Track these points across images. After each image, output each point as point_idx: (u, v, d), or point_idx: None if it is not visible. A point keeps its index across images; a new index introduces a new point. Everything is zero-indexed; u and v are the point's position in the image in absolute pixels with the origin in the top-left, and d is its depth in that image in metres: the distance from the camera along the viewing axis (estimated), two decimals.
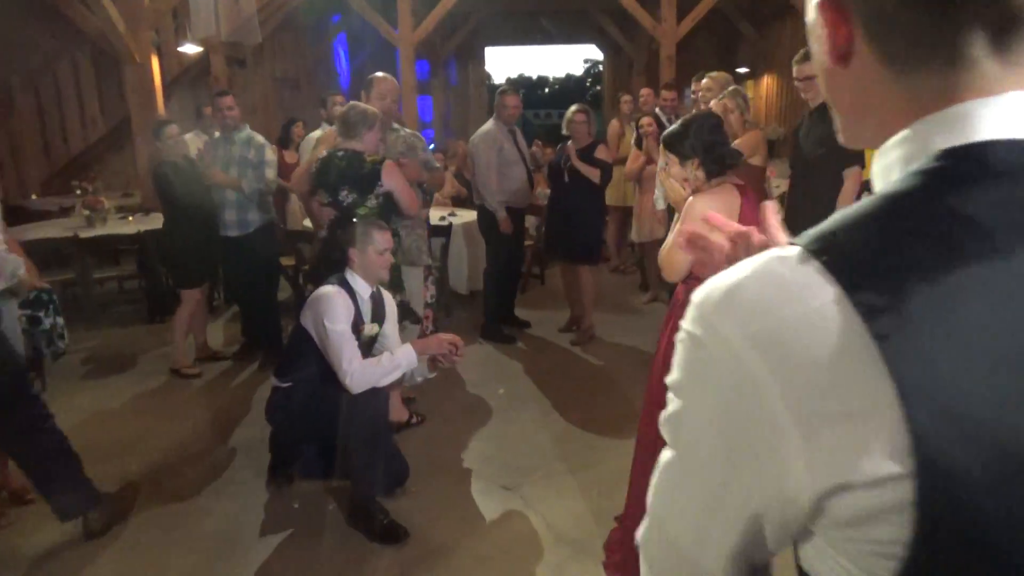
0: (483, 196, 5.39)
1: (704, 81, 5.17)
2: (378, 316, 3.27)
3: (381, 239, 3.18)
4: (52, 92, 8.66)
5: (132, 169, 8.16)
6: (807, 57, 3.97)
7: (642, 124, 5.79)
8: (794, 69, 3.98)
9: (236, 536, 3.07)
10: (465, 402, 4.43)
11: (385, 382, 3.05)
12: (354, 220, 3.34)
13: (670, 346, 2.12)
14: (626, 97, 7.62)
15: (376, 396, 3.02)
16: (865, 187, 6.77)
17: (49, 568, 2.88)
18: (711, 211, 2.50)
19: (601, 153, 5.34)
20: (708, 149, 2.48)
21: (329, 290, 3.10)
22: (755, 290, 0.56)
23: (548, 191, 5.85)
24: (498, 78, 29.28)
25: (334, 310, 3.01)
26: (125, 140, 8.39)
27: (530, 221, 6.91)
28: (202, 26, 7.52)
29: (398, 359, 3.06)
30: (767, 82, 12.54)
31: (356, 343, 3.03)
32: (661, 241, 5.73)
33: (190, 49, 7.84)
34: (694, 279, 2.54)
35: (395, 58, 8.94)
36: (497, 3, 12.31)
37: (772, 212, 0.91)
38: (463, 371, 4.90)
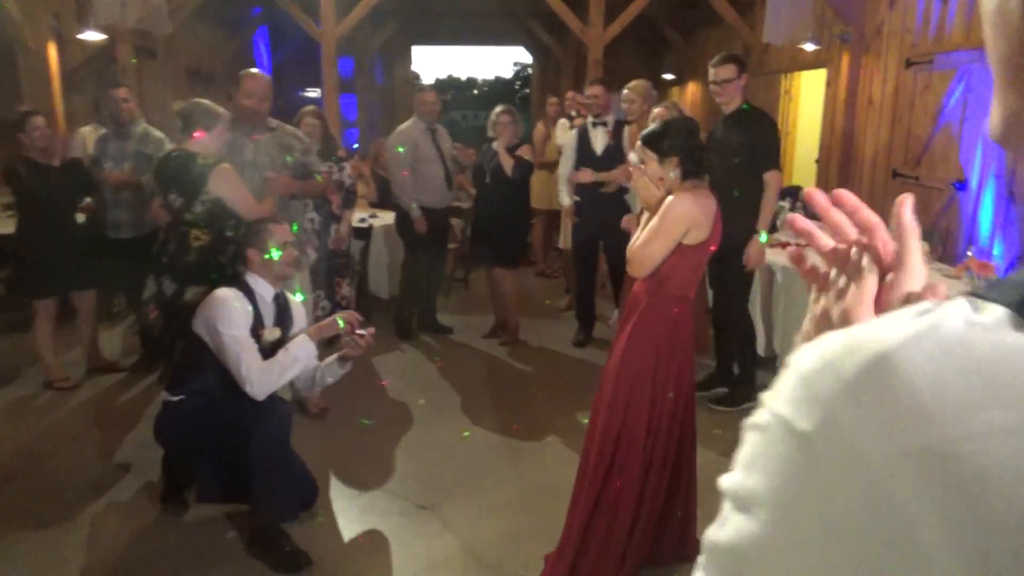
0: (397, 195, 5.25)
1: (625, 92, 5.14)
2: (283, 320, 3.01)
3: (279, 233, 2.96)
4: None
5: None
6: (725, 60, 3.93)
7: (574, 125, 5.68)
8: (710, 72, 3.93)
9: (124, 568, 2.77)
10: (383, 414, 4.19)
11: (287, 377, 2.81)
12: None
13: (628, 353, 1.97)
14: (552, 100, 7.52)
15: (276, 413, 2.77)
16: (787, 193, 6.86)
17: None
18: (694, 211, 2.39)
19: (525, 154, 5.19)
20: (687, 150, 2.51)
21: (223, 293, 2.84)
22: (925, 373, 0.34)
23: (471, 192, 5.68)
24: (427, 78, 28.94)
25: (228, 314, 2.75)
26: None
27: (455, 223, 6.73)
28: (106, 11, 7.05)
29: (294, 352, 2.81)
30: (692, 89, 12.68)
31: (256, 347, 2.77)
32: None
33: (93, 36, 7.31)
34: (658, 279, 2.48)
35: (319, 54, 8.61)
36: (425, 2, 12.07)
37: (909, 208, 0.61)
38: (382, 379, 4.67)
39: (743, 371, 4.19)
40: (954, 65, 5.98)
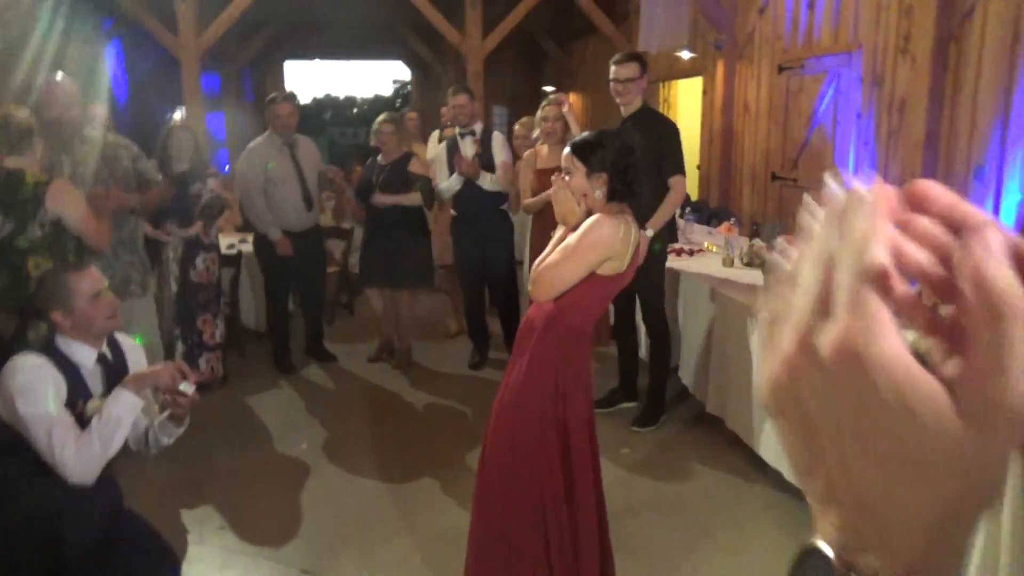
0: (248, 217, 4.85)
1: (516, 129, 5.05)
2: (116, 382, 2.43)
3: (85, 283, 2.40)
4: None
5: None
6: (629, 58, 3.77)
7: (445, 136, 5.41)
8: (612, 70, 3.75)
9: None
10: (258, 463, 3.73)
11: (115, 446, 2.29)
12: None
13: (524, 389, 1.62)
14: (411, 115, 7.21)
15: (103, 495, 2.29)
16: (689, 205, 6.83)
17: None
18: (616, 238, 1.97)
19: (415, 167, 4.86)
20: (620, 169, 2.24)
21: (21, 361, 2.28)
22: None
23: (359, 214, 5.27)
24: (304, 97, 28.07)
25: (28, 386, 2.22)
26: None
27: (335, 246, 6.29)
28: None
29: (113, 413, 2.28)
30: (572, 99, 12.73)
31: (68, 422, 2.25)
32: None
33: None
34: (560, 304, 2.18)
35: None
36: (295, 13, 11.53)
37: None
38: (257, 423, 4.20)
39: (657, 383, 3.99)
40: (824, 69, 6.13)
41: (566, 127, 4.38)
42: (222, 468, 3.64)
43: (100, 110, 4.61)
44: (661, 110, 9.50)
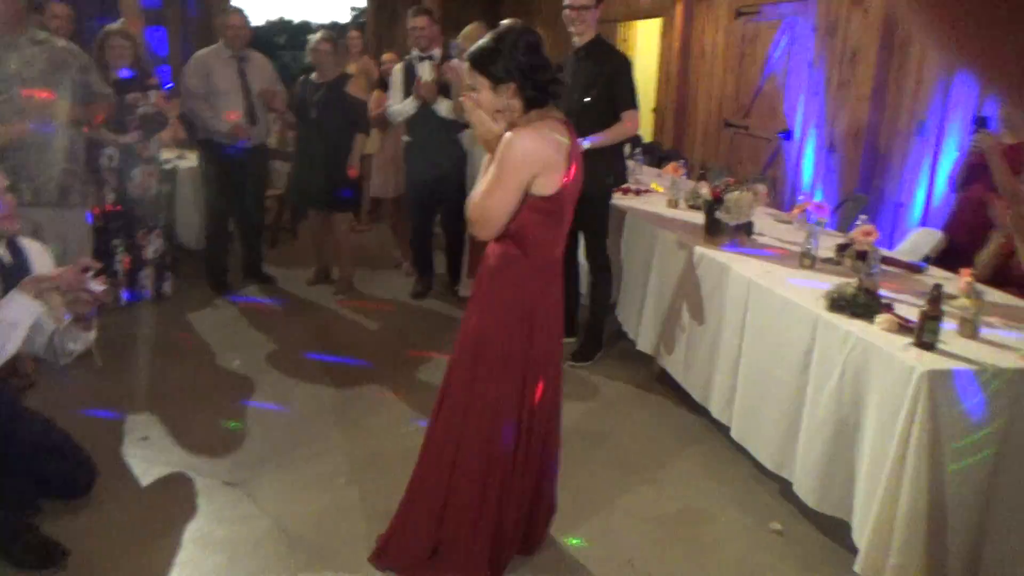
0: (193, 122, 4.76)
1: (459, 41, 4.79)
2: (13, 284, 2.36)
3: None
4: None
5: None
6: None
7: (383, 61, 5.23)
8: None
9: None
10: (187, 380, 3.67)
11: (9, 350, 2.22)
12: None
13: (486, 328, 1.39)
14: (353, 33, 6.91)
15: None
16: (635, 143, 6.78)
17: None
18: (538, 150, 1.79)
19: (353, 89, 4.72)
20: (527, 72, 1.97)
21: None
22: None
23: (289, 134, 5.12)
24: (255, 19, 26.88)
25: None
26: None
27: (281, 168, 6.12)
28: None
29: (6, 315, 2.20)
30: None
31: None
32: (400, 198, 5.28)
33: None
34: (511, 239, 2.02)
35: None
36: None
37: None
38: (192, 339, 4.13)
39: (597, 320, 4.01)
40: (780, 16, 6.10)
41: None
42: (153, 383, 3.57)
43: (60, 10, 4.35)
44: None
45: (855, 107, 5.20)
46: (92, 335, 2.54)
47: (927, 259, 3.39)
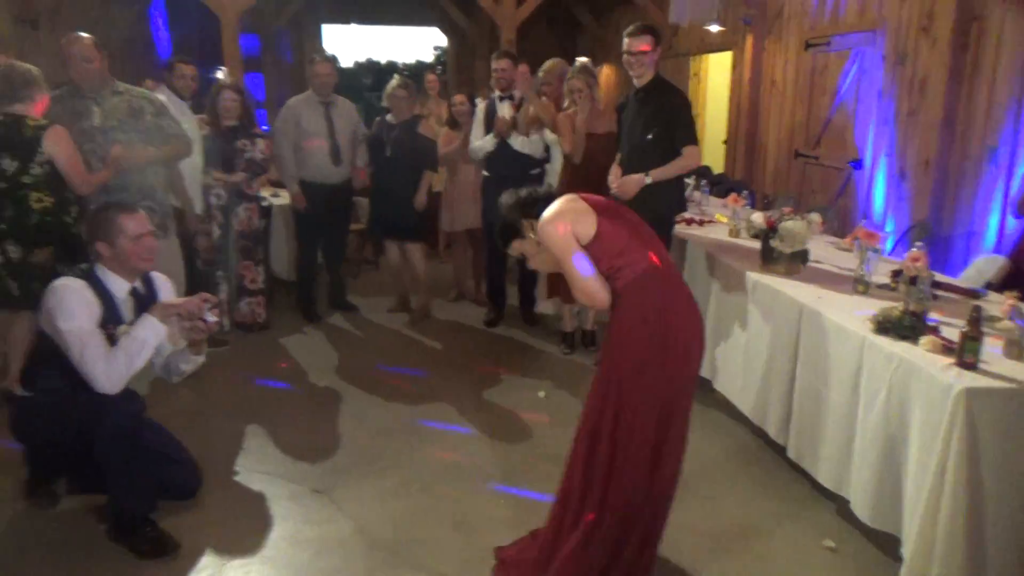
0: (278, 170, 5.17)
1: (540, 75, 5.09)
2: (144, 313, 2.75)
3: (131, 224, 2.68)
4: None
5: None
6: (642, 31, 3.82)
7: (454, 102, 5.55)
8: (625, 42, 3.85)
9: None
10: (280, 398, 4.02)
11: (138, 365, 2.59)
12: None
13: (624, 356, 1.90)
14: (430, 76, 7.31)
15: (120, 404, 2.57)
16: (698, 174, 6.92)
17: None
18: (560, 222, 2.21)
19: (424, 129, 5.10)
20: (525, 207, 2.41)
21: (64, 283, 2.59)
22: None
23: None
24: (345, 60, 28.19)
25: (67, 305, 2.52)
26: None
27: (362, 203, 6.53)
28: None
29: (139, 336, 2.59)
30: (606, 71, 12.74)
31: (100, 339, 2.55)
32: (470, 231, 5.54)
33: None
34: (609, 280, 2.28)
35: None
36: None
37: None
38: (285, 362, 4.51)
39: None
40: (848, 46, 6.16)
41: (592, 95, 4.48)
42: (248, 400, 3.94)
43: (187, 71, 4.78)
44: (692, 84, 9.55)
45: (925, 135, 5.21)
46: (201, 359, 2.90)
47: (988, 285, 3.42)
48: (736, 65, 8.15)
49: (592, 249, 2.27)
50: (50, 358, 2.58)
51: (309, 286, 5.40)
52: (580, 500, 2.34)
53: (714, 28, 8.00)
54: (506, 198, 2.50)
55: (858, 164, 6.09)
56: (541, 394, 4.06)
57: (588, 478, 2.32)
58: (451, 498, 3.01)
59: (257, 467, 3.25)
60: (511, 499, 3.03)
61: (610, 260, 2.26)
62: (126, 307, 2.70)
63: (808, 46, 6.77)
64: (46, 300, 2.55)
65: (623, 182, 3.84)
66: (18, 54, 6.98)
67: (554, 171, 5.02)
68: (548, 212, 2.33)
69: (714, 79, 9.38)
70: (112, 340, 2.57)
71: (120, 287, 2.69)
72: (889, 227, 5.61)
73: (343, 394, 4.06)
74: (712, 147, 9.44)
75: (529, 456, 3.39)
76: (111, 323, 2.60)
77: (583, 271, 2.27)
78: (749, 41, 7.71)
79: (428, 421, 3.73)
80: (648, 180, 3.76)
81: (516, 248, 2.50)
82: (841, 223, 5.93)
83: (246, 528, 2.79)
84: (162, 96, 4.48)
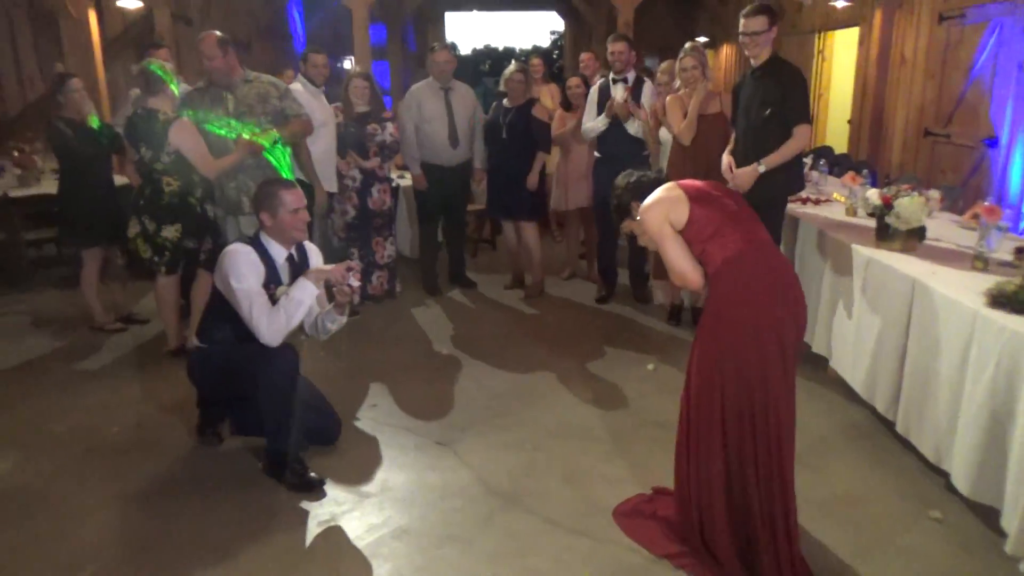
0: (402, 152, 5.46)
1: (658, 76, 5.19)
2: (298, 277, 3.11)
3: (290, 198, 3.03)
4: None
5: None
6: (758, 11, 3.84)
7: (569, 85, 5.70)
8: (741, 23, 3.89)
9: (165, 491, 3.00)
10: (408, 362, 4.37)
11: (296, 320, 2.97)
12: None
13: (721, 336, 2.20)
14: (535, 61, 7.40)
15: (280, 358, 2.93)
16: (820, 154, 6.76)
17: None
18: (657, 208, 2.42)
19: (538, 112, 5.30)
20: (637, 191, 2.60)
21: (236, 247, 3.00)
22: None
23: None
24: (464, 47, 28.79)
25: (238, 267, 2.91)
26: None
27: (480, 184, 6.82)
28: None
29: (295, 296, 2.95)
30: (726, 52, 12.50)
31: (265, 298, 2.93)
32: (582, 211, 5.68)
33: (131, 4, 7.54)
34: (705, 265, 2.43)
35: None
36: None
37: None
38: (410, 330, 4.86)
39: None
40: (987, 17, 5.87)
41: (703, 74, 4.55)
42: (378, 362, 4.31)
43: (319, 60, 5.20)
44: (816, 63, 9.26)
45: None
46: (344, 319, 3.25)
47: None
48: (863, 41, 7.86)
49: (686, 234, 2.44)
50: (221, 313, 2.99)
51: (431, 262, 5.75)
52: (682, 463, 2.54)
53: (840, 3, 7.74)
54: (620, 180, 2.69)
55: (993, 142, 5.81)
56: (650, 367, 4.21)
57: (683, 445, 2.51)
58: (562, 455, 3.24)
59: (387, 420, 3.60)
60: (617, 458, 3.21)
61: (702, 244, 2.41)
62: (284, 271, 3.08)
63: (942, 19, 6.48)
64: (221, 261, 2.96)
65: (737, 175, 3.89)
66: (175, 48, 7.72)
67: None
68: (647, 200, 2.51)
69: (839, 57, 9.07)
70: (272, 299, 2.96)
71: (279, 253, 3.07)
72: None
73: (462, 360, 4.36)
74: (836, 127, 9.14)
75: (636, 421, 3.57)
76: (272, 284, 3.00)
77: (675, 255, 2.45)
78: (878, 15, 7.42)
79: (541, 387, 3.97)
80: (762, 169, 3.80)
81: (626, 227, 2.71)
82: (971, 204, 5.68)
83: (379, 472, 3.13)
84: (298, 85, 4.92)
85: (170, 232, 4.08)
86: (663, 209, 2.46)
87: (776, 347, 2.34)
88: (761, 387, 2.34)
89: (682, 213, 2.43)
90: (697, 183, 2.56)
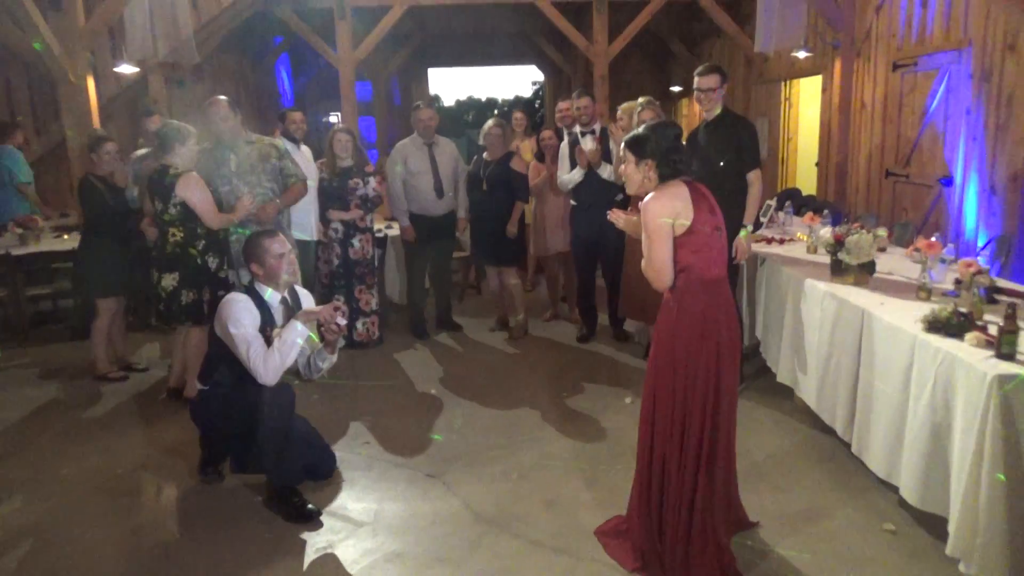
0: (390, 205, 5.77)
1: (618, 114, 5.51)
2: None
3: (274, 246, 3.29)
4: None
5: (68, 190, 8.13)
6: (710, 70, 4.24)
7: (542, 137, 6.03)
8: (695, 81, 4.25)
9: (169, 525, 3.17)
10: (396, 402, 4.58)
11: (290, 359, 3.18)
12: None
13: (675, 336, 2.49)
14: (517, 114, 7.59)
15: (279, 393, 3.16)
16: (787, 196, 7.11)
17: None
18: (666, 203, 2.57)
19: (516, 164, 5.61)
20: (665, 154, 2.60)
21: (233, 296, 3.24)
22: None
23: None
24: (447, 99, 29.42)
25: (236, 314, 3.14)
26: (61, 161, 8.36)
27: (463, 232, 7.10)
28: (139, 46, 7.60)
29: (288, 337, 3.17)
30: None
31: (261, 341, 3.15)
32: (560, 255, 5.96)
33: (127, 69, 7.87)
34: (681, 272, 2.59)
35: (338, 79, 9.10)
36: (437, 25, 12.58)
37: None
38: (399, 373, 5.07)
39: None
40: (936, 66, 6.28)
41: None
42: (370, 403, 4.52)
43: (298, 117, 5.58)
44: (782, 109, 9.71)
45: (1013, 150, 5.29)
46: (335, 357, 3.47)
47: None
48: (826, 89, 8.30)
49: (679, 239, 2.57)
50: (221, 358, 3.21)
51: (418, 308, 5.99)
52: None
53: (802, 54, 8.20)
54: (667, 132, 2.64)
55: (948, 181, 6.16)
56: (627, 400, 4.43)
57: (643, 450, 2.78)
58: (544, 483, 3.44)
59: (379, 456, 3.79)
60: (596, 484, 3.42)
61: (688, 255, 2.57)
62: (279, 314, 3.32)
63: (896, 67, 6.90)
64: (220, 310, 3.19)
65: (738, 248, 4.15)
66: (169, 110, 8.04)
67: None
68: (656, 195, 2.59)
69: (805, 103, 9.53)
70: (269, 341, 3.18)
71: (273, 297, 3.31)
72: (982, 241, 5.66)
73: (449, 399, 4.57)
74: (805, 169, 9.55)
75: (613, 450, 3.78)
76: (268, 327, 3.22)
77: (660, 250, 2.55)
78: (837, 65, 7.87)
79: (525, 422, 4.18)
80: (750, 228, 4.20)
81: (626, 166, 2.70)
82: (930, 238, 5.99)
83: (372, 502, 3.32)
84: (280, 141, 5.25)
85: (168, 281, 4.30)
86: (669, 207, 2.54)
87: (714, 346, 2.60)
88: (703, 378, 2.59)
89: (686, 219, 2.55)
90: (708, 195, 2.68)
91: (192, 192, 4.18)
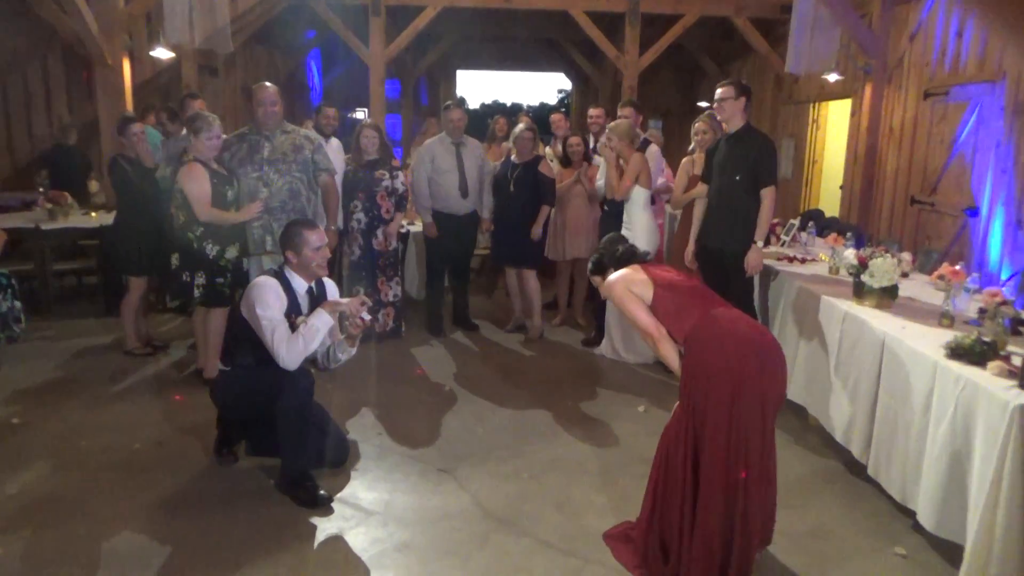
0: (414, 202, 5.81)
1: (608, 131, 5.50)
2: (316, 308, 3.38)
3: (313, 237, 3.33)
4: (20, 91, 8.71)
5: (99, 169, 8.24)
6: (728, 83, 4.34)
7: (570, 144, 6.05)
8: (716, 92, 4.32)
9: (182, 505, 3.21)
10: (411, 396, 4.60)
11: (312, 347, 3.21)
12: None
13: (695, 390, 2.56)
14: (555, 116, 7.63)
15: (298, 384, 3.19)
16: (809, 216, 7.09)
17: None
18: (620, 283, 2.84)
19: (543, 168, 5.64)
20: (616, 259, 3.04)
21: (262, 280, 3.28)
22: None
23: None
24: (473, 102, 29.52)
25: (264, 297, 3.18)
26: (92, 141, 8.47)
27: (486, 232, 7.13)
28: (176, 32, 7.69)
29: (313, 324, 3.21)
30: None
31: (286, 326, 3.19)
32: (580, 260, 5.99)
33: (162, 54, 7.97)
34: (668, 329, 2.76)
35: (367, 76, 9.19)
36: (468, 27, 12.64)
37: None
38: (415, 367, 5.10)
39: None
40: (967, 97, 6.26)
41: (714, 138, 4.93)
42: (385, 396, 4.55)
43: (331, 112, 5.70)
44: (810, 130, 9.70)
45: None
46: (354, 350, 3.51)
47: None
48: (855, 113, 8.28)
49: (653, 311, 2.81)
50: (244, 340, 3.25)
51: (437, 305, 6.02)
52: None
53: (832, 77, 8.19)
54: (607, 243, 3.14)
55: (974, 212, 6.13)
56: (641, 409, 4.44)
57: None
58: (555, 485, 3.45)
59: (392, 447, 3.82)
60: (606, 489, 3.43)
61: (666, 320, 2.78)
62: (304, 303, 3.36)
63: (927, 95, 6.88)
64: (248, 292, 3.24)
65: (750, 261, 4.23)
66: (203, 96, 8.13)
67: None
68: (615, 275, 2.93)
69: (833, 125, 9.50)
70: (293, 327, 3.22)
71: (301, 286, 3.36)
72: (1005, 275, 5.63)
73: (464, 397, 4.60)
74: (829, 192, 9.52)
75: (625, 458, 3.78)
76: (293, 313, 3.26)
77: (634, 310, 2.81)
78: (868, 90, 7.85)
79: (537, 424, 4.19)
80: (760, 244, 4.24)
81: (597, 281, 3.13)
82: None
83: (384, 493, 3.34)
84: (314, 133, 5.32)
85: (173, 260, 4.40)
86: (625, 283, 2.86)
87: (755, 400, 2.56)
88: (736, 442, 2.57)
89: (646, 294, 2.82)
90: (666, 272, 2.93)
91: (188, 180, 4.26)
